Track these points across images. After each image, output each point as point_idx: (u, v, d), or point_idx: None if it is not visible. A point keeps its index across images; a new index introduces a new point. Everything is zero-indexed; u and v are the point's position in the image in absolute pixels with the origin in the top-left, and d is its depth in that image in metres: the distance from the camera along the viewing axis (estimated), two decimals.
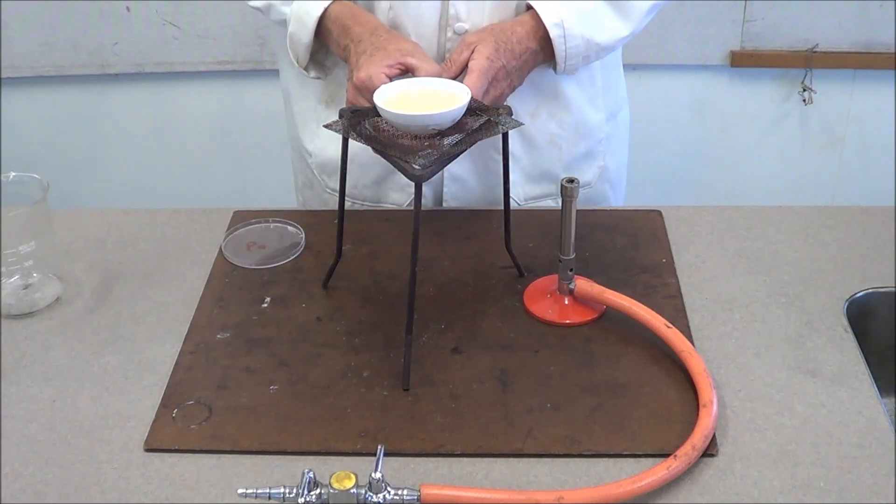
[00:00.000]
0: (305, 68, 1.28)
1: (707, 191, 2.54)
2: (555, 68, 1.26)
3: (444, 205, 1.37)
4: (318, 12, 1.22)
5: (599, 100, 1.39)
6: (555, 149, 1.37)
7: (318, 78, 1.30)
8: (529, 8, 1.24)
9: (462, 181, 1.36)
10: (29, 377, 1.06)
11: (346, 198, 1.41)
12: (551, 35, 1.21)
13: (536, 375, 1.04)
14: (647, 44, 2.29)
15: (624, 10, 1.27)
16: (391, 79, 1.11)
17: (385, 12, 1.24)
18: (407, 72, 1.14)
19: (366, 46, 1.16)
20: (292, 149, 1.52)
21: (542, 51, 1.23)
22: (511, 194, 1.37)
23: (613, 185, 1.48)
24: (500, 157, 1.33)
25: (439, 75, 1.13)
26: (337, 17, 1.21)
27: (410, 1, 1.23)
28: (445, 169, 1.35)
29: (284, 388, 1.03)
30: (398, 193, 1.37)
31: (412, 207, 1.34)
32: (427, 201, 1.37)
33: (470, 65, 1.16)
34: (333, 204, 1.43)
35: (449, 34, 1.25)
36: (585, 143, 1.39)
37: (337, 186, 1.42)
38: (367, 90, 1.10)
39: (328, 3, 1.22)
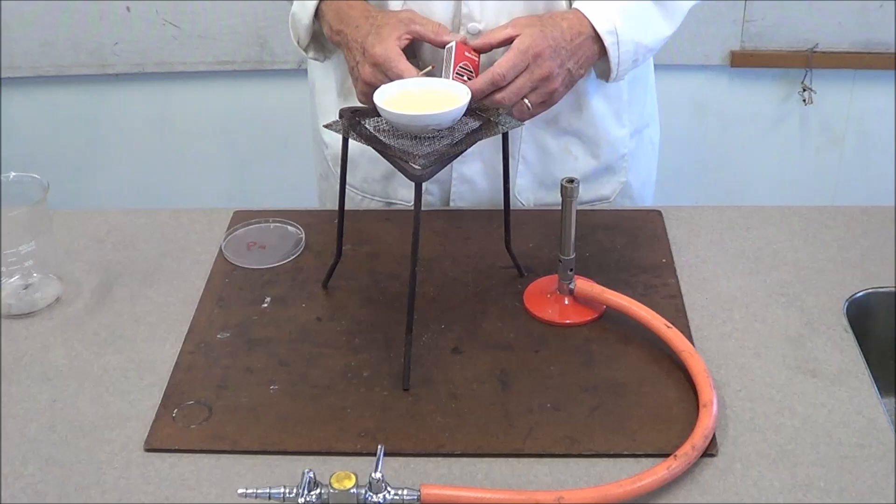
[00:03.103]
0: (305, 49, 1.30)
1: (707, 191, 2.54)
2: (606, 77, 1.25)
3: (451, 205, 1.37)
4: None
5: (624, 114, 1.37)
6: (570, 158, 1.36)
7: (317, 59, 1.33)
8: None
9: (470, 182, 1.36)
10: (29, 377, 1.06)
11: (356, 192, 1.42)
12: (605, 43, 1.20)
13: (536, 375, 1.04)
14: None
15: (668, 10, 1.26)
16: (404, 51, 1.15)
17: (402, 9, 1.24)
18: (414, 39, 1.18)
19: (367, 28, 1.18)
20: (314, 140, 1.52)
21: (596, 43, 1.21)
22: (520, 197, 1.37)
23: (635, 203, 1.45)
24: (510, 159, 1.34)
25: (439, 32, 1.17)
26: (332, 1, 1.24)
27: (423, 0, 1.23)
28: (454, 169, 1.35)
29: (284, 388, 1.03)
30: (407, 189, 1.37)
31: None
32: (434, 200, 1.37)
33: (513, 44, 1.16)
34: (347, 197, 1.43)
35: (462, 33, 1.24)
36: (606, 157, 1.37)
37: (350, 179, 1.42)
38: (387, 63, 1.13)
39: None
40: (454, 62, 1.18)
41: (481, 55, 1.21)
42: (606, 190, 1.41)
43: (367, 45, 1.16)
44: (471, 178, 1.35)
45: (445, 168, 1.33)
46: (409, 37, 1.17)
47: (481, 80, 1.16)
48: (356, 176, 1.41)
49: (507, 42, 1.18)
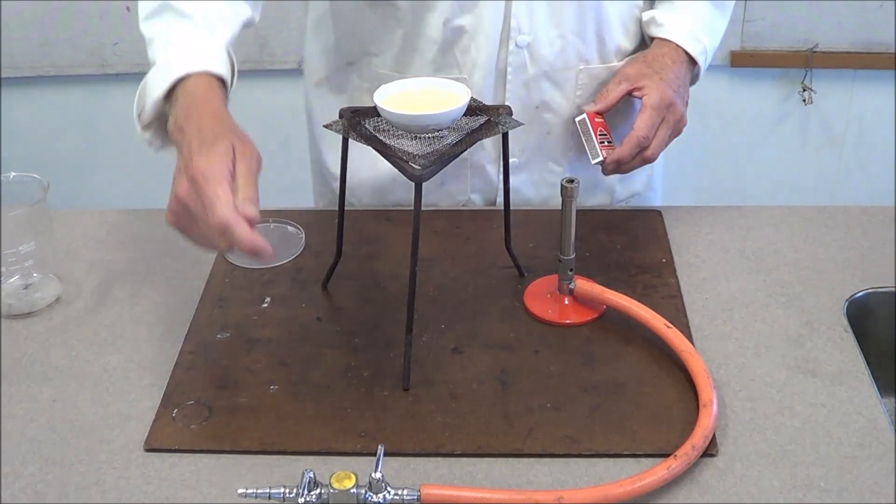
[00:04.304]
0: (144, 128, 1.05)
1: (707, 191, 2.54)
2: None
3: None
4: (187, 70, 1.00)
5: None
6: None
7: (152, 145, 1.08)
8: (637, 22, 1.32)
9: (518, 193, 1.36)
10: (29, 377, 1.06)
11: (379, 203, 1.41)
12: (698, 61, 1.29)
13: (536, 375, 1.04)
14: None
15: (725, 8, 1.33)
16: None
17: (446, 25, 1.22)
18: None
19: (207, 134, 0.94)
20: (313, 172, 1.48)
21: (691, 63, 1.29)
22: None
23: (654, 189, 1.48)
24: (558, 168, 1.36)
25: (249, 182, 0.93)
26: (194, 89, 1.00)
27: (473, 12, 1.22)
28: (501, 181, 1.35)
29: (284, 388, 1.03)
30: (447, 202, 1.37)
31: (467, 207, 1.34)
32: None
33: (643, 101, 1.23)
34: None
35: (511, 47, 1.24)
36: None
37: (382, 204, 1.41)
38: (203, 182, 0.89)
39: (203, 69, 1.01)
40: (593, 132, 1.26)
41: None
42: (638, 185, 1.43)
43: (194, 151, 0.92)
44: (518, 188, 1.35)
45: (489, 179, 1.35)
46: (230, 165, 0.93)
47: (628, 147, 1.22)
48: (387, 201, 1.39)
49: (624, 96, 1.26)
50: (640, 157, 1.23)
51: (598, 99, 1.27)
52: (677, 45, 1.27)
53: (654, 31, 1.29)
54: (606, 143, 1.25)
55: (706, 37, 1.28)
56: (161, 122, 1.04)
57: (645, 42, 1.33)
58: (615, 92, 1.25)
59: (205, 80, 1.01)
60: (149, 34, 1.08)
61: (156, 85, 1.01)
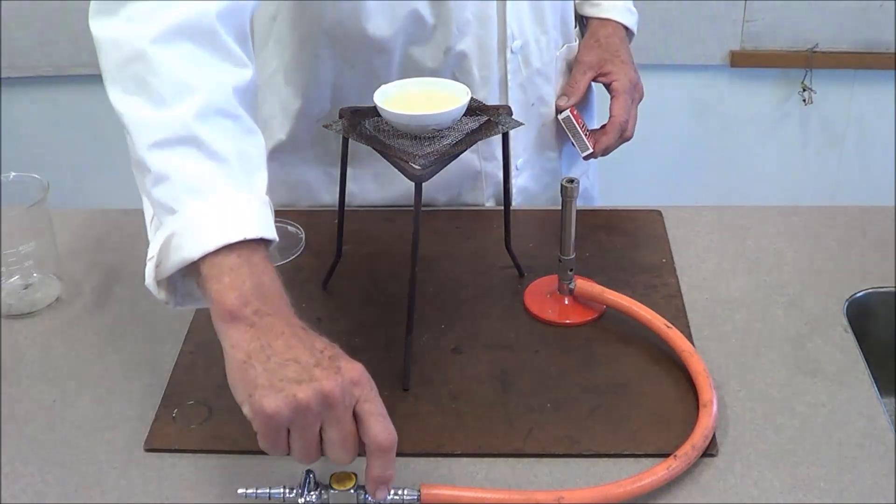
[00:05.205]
0: (158, 283, 0.88)
1: (707, 191, 2.55)
2: None
3: None
4: (243, 235, 0.83)
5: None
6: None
7: (167, 303, 0.90)
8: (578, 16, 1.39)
9: (526, 191, 1.38)
10: (29, 377, 1.06)
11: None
12: (633, 31, 1.38)
13: (536, 375, 1.04)
14: (646, 44, 2.29)
15: None
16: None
17: (447, 54, 1.22)
18: None
19: (324, 341, 0.87)
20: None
21: (628, 33, 1.39)
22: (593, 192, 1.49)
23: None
24: (553, 154, 1.40)
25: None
26: (261, 264, 0.85)
27: (472, 34, 1.22)
28: (513, 184, 1.36)
29: None
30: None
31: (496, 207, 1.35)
32: None
33: (614, 87, 1.32)
34: None
35: (508, 55, 1.26)
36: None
37: None
38: (370, 388, 0.84)
39: (258, 234, 0.84)
40: (579, 128, 1.32)
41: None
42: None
43: (340, 354, 0.86)
44: (526, 187, 1.37)
45: (498, 182, 1.35)
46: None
47: (613, 133, 1.31)
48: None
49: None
50: (621, 138, 1.33)
51: (569, 91, 1.33)
52: (618, 23, 1.35)
53: (593, 12, 1.37)
54: (588, 133, 1.33)
55: (632, 4, 1.38)
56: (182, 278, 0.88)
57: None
58: (583, 82, 1.33)
59: (264, 251, 0.86)
60: (162, 169, 0.86)
61: (192, 243, 0.83)
